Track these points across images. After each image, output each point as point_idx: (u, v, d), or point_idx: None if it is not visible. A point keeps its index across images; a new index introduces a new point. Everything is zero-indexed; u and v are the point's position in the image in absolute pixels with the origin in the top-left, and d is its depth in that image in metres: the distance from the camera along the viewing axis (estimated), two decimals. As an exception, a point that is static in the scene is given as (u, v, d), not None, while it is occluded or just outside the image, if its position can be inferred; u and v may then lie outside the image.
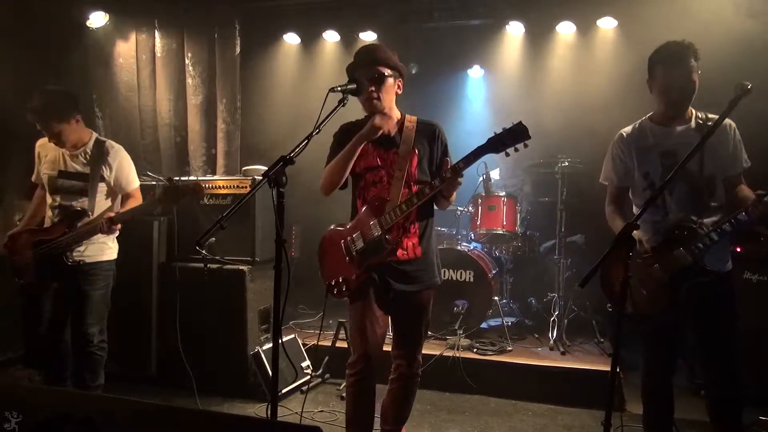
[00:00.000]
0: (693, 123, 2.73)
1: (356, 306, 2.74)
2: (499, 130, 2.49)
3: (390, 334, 2.89)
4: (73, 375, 3.46)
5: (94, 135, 3.46)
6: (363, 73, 2.68)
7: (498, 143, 2.48)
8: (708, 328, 2.72)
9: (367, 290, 2.72)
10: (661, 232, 2.70)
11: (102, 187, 3.40)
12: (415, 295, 2.76)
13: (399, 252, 2.70)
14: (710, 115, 2.72)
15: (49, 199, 3.42)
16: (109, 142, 3.45)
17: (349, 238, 2.73)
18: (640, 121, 2.87)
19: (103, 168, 3.38)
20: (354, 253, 2.70)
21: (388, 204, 2.68)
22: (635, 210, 2.90)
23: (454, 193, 2.71)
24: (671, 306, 2.64)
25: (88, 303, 3.34)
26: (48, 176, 3.39)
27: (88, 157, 3.37)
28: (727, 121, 2.67)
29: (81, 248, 3.32)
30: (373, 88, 2.67)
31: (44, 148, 3.45)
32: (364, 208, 2.75)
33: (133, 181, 3.51)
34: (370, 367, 2.71)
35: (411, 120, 2.82)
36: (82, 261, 3.32)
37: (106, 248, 3.42)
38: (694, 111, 2.74)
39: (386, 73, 2.71)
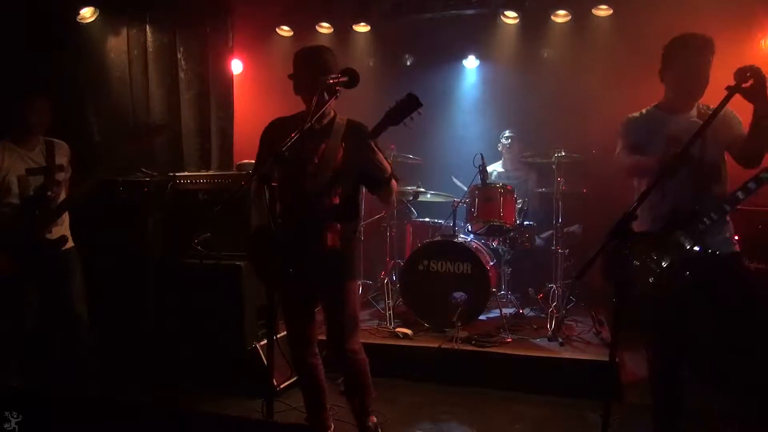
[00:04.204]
0: (695, 111, 2.76)
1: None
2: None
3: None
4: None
5: (40, 135, 3.70)
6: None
7: (395, 116, 2.49)
8: (722, 315, 2.72)
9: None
10: (660, 218, 2.70)
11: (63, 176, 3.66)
12: None
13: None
14: (712, 107, 2.74)
15: (15, 200, 3.52)
16: (55, 140, 3.73)
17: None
18: (646, 108, 2.89)
19: (58, 160, 3.66)
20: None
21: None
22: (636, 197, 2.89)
23: (392, 185, 2.72)
24: (678, 290, 2.64)
25: (77, 286, 3.64)
26: (18, 176, 3.54)
27: (44, 153, 3.64)
28: (733, 112, 2.70)
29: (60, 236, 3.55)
30: None
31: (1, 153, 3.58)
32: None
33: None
34: None
35: (342, 119, 2.86)
36: (64, 248, 3.58)
37: (69, 234, 3.70)
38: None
39: None
